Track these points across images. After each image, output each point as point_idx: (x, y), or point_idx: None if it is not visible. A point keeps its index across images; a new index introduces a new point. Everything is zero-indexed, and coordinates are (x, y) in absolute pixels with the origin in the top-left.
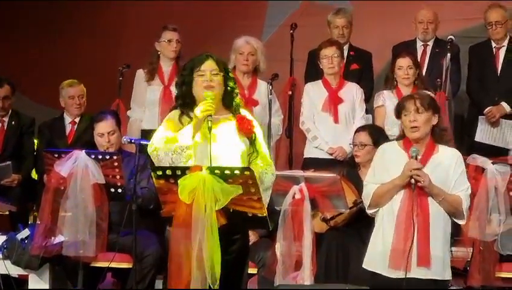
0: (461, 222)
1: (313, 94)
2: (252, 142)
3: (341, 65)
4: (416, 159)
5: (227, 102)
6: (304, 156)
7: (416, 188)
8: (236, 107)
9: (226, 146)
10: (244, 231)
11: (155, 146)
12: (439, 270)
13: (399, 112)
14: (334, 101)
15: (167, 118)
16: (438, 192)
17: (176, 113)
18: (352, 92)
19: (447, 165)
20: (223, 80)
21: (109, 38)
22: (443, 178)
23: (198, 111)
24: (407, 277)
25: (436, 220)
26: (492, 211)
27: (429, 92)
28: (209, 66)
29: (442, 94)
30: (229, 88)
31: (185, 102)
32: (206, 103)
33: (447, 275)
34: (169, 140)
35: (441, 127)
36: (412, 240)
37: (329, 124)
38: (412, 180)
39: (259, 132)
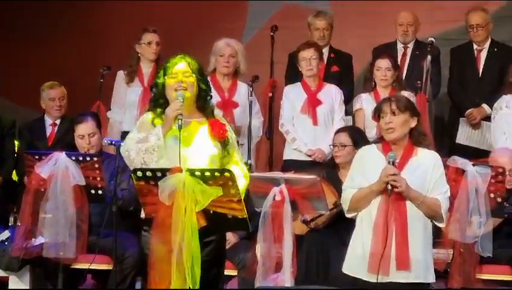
0: (441, 225)
1: (292, 96)
2: (225, 146)
3: (320, 67)
4: (393, 164)
5: (200, 105)
6: (284, 158)
7: (393, 193)
8: (210, 110)
9: (197, 148)
10: (221, 233)
11: (127, 147)
12: (421, 273)
13: (377, 114)
14: (313, 104)
15: (140, 120)
16: (415, 196)
17: (148, 114)
18: (331, 93)
19: (425, 168)
20: (195, 82)
21: (90, 40)
22: (421, 181)
23: (169, 110)
24: (388, 281)
25: (415, 224)
26: (472, 213)
27: (407, 95)
28: (181, 68)
29: (423, 96)
30: (202, 90)
31: (158, 104)
32: (176, 103)
33: (430, 278)
34: (141, 140)
35: (420, 131)
36: (385, 245)
37: (308, 126)
38: (389, 186)
39: (232, 137)
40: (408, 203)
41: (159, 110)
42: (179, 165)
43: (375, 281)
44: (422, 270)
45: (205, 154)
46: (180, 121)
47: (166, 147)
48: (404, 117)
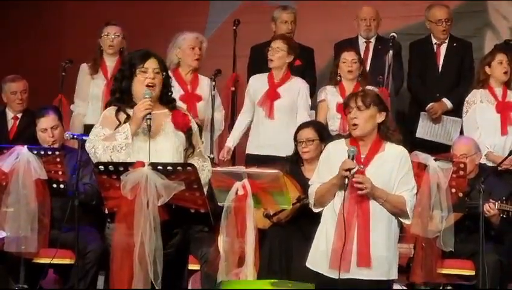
0: (407, 222)
1: (256, 87)
2: (188, 137)
3: (287, 61)
4: (352, 159)
5: (164, 100)
6: (246, 152)
7: (355, 189)
8: (172, 103)
9: (162, 142)
10: (185, 226)
11: (93, 144)
12: (384, 270)
13: (345, 109)
14: (270, 97)
15: (103, 115)
16: (379, 194)
17: (112, 110)
18: (294, 88)
19: (391, 164)
20: (162, 79)
21: (51, 34)
22: (387, 177)
23: (137, 110)
24: (349, 277)
25: (378, 221)
26: (434, 208)
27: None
28: (152, 64)
29: (385, 91)
30: (165, 87)
31: (122, 97)
32: (145, 102)
33: (393, 275)
34: (107, 138)
35: (388, 126)
36: (345, 241)
37: (264, 119)
38: (346, 181)
39: (195, 128)
40: (371, 200)
41: (122, 103)
42: (146, 160)
43: (337, 277)
44: (384, 267)
45: (170, 146)
46: (149, 120)
47: (133, 144)
48: (369, 112)
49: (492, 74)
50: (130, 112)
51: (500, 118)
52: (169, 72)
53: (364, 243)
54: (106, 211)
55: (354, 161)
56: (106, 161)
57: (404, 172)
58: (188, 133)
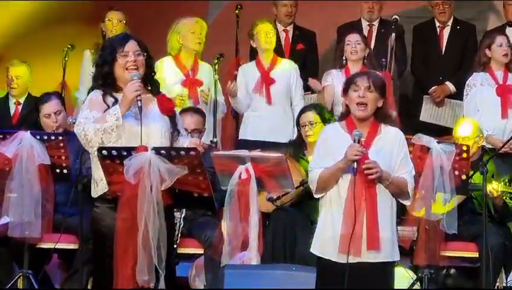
0: (407, 203)
1: (247, 75)
2: (172, 121)
3: (273, 42)
4: (359, 142)
5: (147, 82)
6: (239, 138)
7: (360, 172)
8: (156, 87)
9: (151, 125)
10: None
11: (83, 126)
12: (389, 252)
13: (348, 87)
14: (266, 82)
15: (89, 99)
16: (386, 177)
17: (98, 93)
18: (286, 71)
19: (390, 147)
20: (144, 60)
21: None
22: (387, 160)
23: (127, 91)
24: (358, 261)
25: (383, 203)
26: (437, 190)
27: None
28: (132, 46)
29: (388, 74)
30: (148, 68)
31: (106, 82)
32: (134, 83)
33: (396, 256)
34: (97, 120)
35: (385, 112)
36: (355, 225)
37: (263, 105)
38: (354, 165)
39: (177, 113)
40: (377, 183)
41: (107, 88)
42: (138, 144)
43: (345, 261)
44: (389, 249)
45: (159, 130)
46: (139, 102)
47: (123, 127)
48: (376, 95)
49: (492, 57)
50: (117, 96)
51: (501, 101)
52: (169, 57)
53: (373, 226)
54: (95, 196)
55: (362, 144)
56: (97, 143)
57: (403, 153)
58: (173, 117)
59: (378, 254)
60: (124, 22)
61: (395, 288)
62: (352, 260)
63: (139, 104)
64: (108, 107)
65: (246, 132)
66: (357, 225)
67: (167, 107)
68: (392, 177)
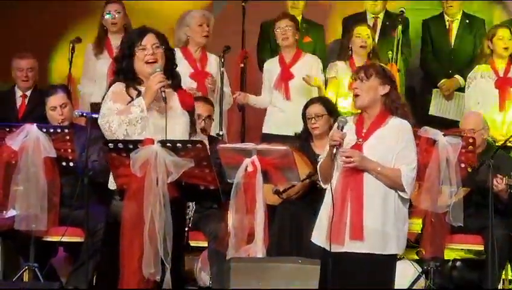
0: (404, 195)
1: (270, 72)
2: (191, 117)
3: (296, 38)
4: (342, 129)
5: (168, 75)
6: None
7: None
8: (177, 80)
9: (174, 119)
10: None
11: (107, 118)
12: (377, 243)
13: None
14: (284, 77)
15: (113, 91)
16: (372, 166)
17: (121, 85)
18: (307, 65)
19: (390, 139)
20: (164, 53)
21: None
22: (384, 151)
23: (152, 83)
24: (344, 251)
25: (373, 194)
26: (443, 183)
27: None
28: (150, 39)
29: (394, 66)
30: (169, 61)
31: (127, 77)
32: (157, 75)
33: (391, 249)
34: (122, 112)
35: (393, 98)
36: (333, 214)
37: (282, 101)
38: (334, 150)
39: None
40: (365, 172)
41: (128, 82)
42: (160, 137)
43: (334, 250)
44: (378, 240)
45: (180, 123)
46: (164, 93)
47: (147, 120)
48: (370, 84)
49: (493, 49)
50: (140, 88)
51: (499, 94)
52: (177, 50)
53: (356, 216)
54: (112, 188)
55: (344, 131)
56: (122, 134)
57: (402, 145)
58: (192, 112)
59: (362, 244)
60: (124, 12)
61: (390, 282)
62: (337, 249)
63: (163, 96)
64: (132, 99)
65: (269, 126)
66: (342, 214)
67: (188, 102)
68: (382, 168)
